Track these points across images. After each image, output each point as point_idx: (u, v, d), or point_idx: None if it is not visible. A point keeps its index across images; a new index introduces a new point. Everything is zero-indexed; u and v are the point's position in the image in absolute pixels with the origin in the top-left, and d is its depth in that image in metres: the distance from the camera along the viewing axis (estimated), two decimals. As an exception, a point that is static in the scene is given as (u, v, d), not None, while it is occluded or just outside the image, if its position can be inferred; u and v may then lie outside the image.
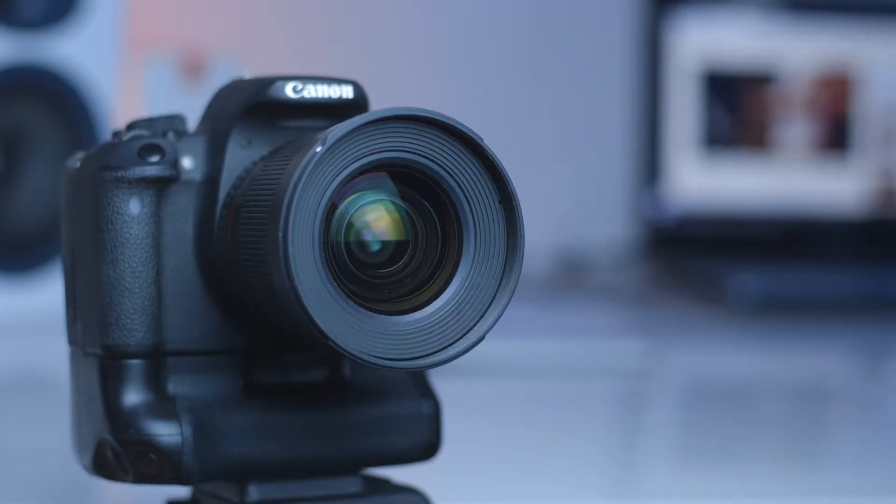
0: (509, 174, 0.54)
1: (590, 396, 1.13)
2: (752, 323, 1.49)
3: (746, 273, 1.56)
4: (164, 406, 0.59)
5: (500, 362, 1.13)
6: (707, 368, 1.33)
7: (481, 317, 0.55)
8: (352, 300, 0.53)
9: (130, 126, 0.61)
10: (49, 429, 0.88)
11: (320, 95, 0.59)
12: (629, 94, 1.77)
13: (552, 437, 0.97)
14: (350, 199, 0.54)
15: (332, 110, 0.59)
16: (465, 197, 0.55)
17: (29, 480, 0.80)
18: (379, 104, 0.57)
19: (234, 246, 0.57)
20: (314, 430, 0.61)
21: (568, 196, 1.79)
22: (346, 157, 0.53)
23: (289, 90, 0.59)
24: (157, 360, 0.59)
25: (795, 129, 1.72)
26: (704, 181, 1.70)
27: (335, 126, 0.53)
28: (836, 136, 1.72)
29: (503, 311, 0.55)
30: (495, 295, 0.55)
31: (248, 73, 0.63)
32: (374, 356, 0.53)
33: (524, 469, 0.87)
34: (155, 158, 0.59)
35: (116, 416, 0.59)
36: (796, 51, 1.71)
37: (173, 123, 0.61)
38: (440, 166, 0.54)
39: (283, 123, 0.60)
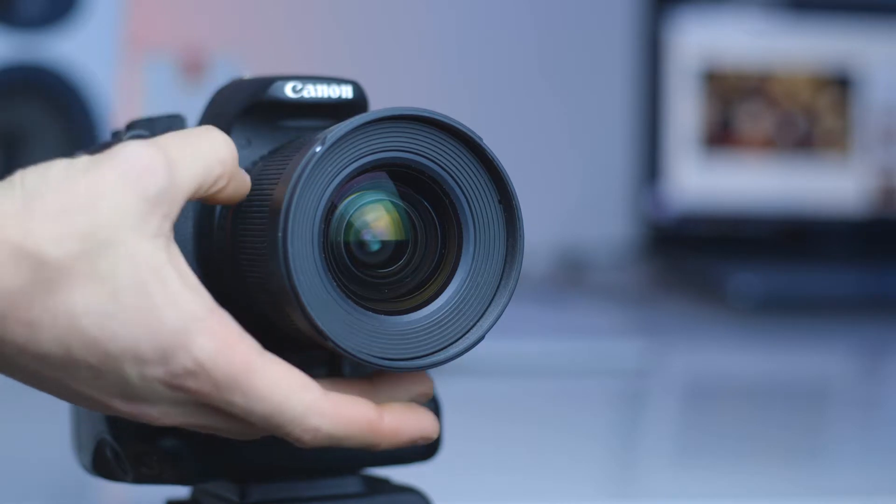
0: (509, 174, 0.54)
1: (590, 396, 1.13)
2: (753, 323, 1.49)
3: (746, 273, 1.56)
4: (163, 406, 0.59)
5: (500, 362, 1.13)
6: (707, 368, 1.33)
7: (481, 316, 0.55)
8: (351, 300, 0.53)
9: (130, 126, 0.61)
10: (49, 429, 0.88)
11: (320, 95, 0.59)
12: (629, 94, 1.77)
13: (552, 437, 0.97)
14: (350, 198, 0.54)
15: (332, 110, 0.59)
16: (465, 197, 0.55)
17: (29, 480, 0.80)
18: (378, 104, 0.57)
19: (233, 246, 0.57)
20: (314, 429, 0.61)
21: (568, 196, 1.79)
22: (345, 157, 0.53)
23: (288, 90, 0.59)
24: (157, 360, 0.59)
25: (795, 129, 1.72)
26: (704, 181, 1.69)
27: (335, 126, 0.53)
28: (836, 135, 1.72)
29: (503, 310, 0.55)
30: (495, 294, 0.55)
31: (248, 73, 0.63)
32: (374, 356, 0.53)
33: (524, 469, 0.87)
34: (155, 158, 0.59)
35: (116, 416, 0.59)
36: (796, 50, 1.71)
37: (173, 123, 0.61)
38: (440, 166, 0.54)
39: (283, 123, 0.60)
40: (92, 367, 0.50)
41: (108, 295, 0.49)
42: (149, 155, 0.51)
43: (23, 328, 0.49)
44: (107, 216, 0.50)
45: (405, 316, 0.54)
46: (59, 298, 0.49)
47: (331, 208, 0.53)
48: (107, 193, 0.50)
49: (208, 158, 0.53)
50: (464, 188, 0.55)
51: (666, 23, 1.69)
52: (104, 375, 0.50)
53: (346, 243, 0.54)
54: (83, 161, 0.51)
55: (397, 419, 0.54)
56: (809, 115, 1.72)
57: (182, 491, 0.63)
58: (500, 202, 0.55)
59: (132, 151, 0.51)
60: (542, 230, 1.64)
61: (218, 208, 0.59)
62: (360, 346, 0.53)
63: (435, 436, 0.55)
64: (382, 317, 0.54)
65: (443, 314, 0.54)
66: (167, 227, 0.51)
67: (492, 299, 0.55)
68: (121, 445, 0.59)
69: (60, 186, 0.50)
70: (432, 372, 0.57)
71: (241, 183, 0.55)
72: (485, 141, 0.54)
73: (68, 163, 0.51)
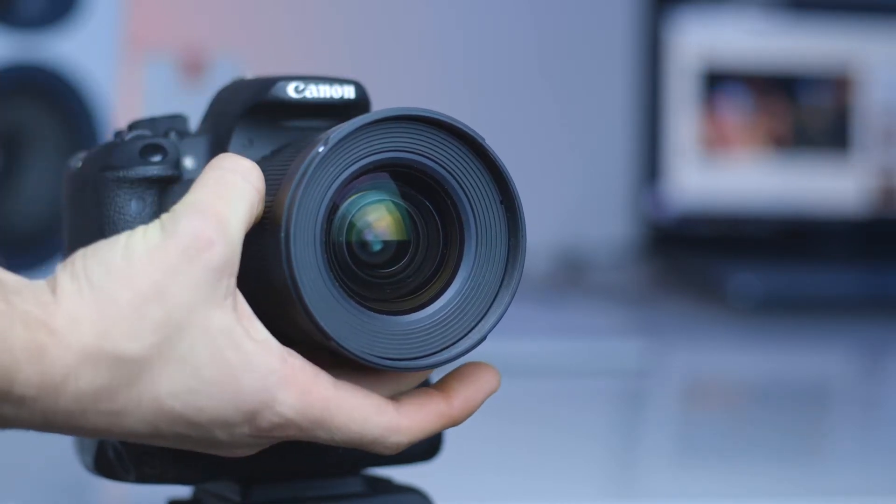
0: (511, 174, 0.54)
1: (590, 396, 1.13)
2: (752, 323, 1.49)
3: (746, 273, 1.56)
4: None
5: (500, 362, 1.13)
6: (707, 368, 1.33)
7: (483, 317, 0.55)
8: (353, 300, 0.53)
9: (132, 126, 0.61)
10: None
11: (322, 96, 0.59)
12: (629, 95, 1.77)
13: (552, 437, 0.97)
14: (352, 199, 0.54)
15: (334, 110, 0.59)
16: (467, 197, 0.55)
17: (30, 480, 0.80)
18: (381, 104, 0.57)
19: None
20: (315, 429, 0.61)
21: (568, 196, 1.79)
22: (348, 158, 0.53)
23: (291, 90, 0.59)
24: (159, 360, 0.59)
25: (795, 128, 1.72)
26: (704, 181, 1.70)
27: (337, 126, 0.54)
28: (836, 135, 1.72)
29: (505, 310, 0.55)
30: (497, 295, 0.55)
31: (250, 73, 0.63)
32: (376, 356, 0.53)
33: (524, 469, 0.87)
34: (157, 158, 0.59)
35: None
36: (796, 50, 1.71)
37: (175, 123, 0.61)
38: (442, 167, 0.54)
39: (285, 123, 0.60)
40: (179, 435, 0.52)
41: (190, 373, 0.51)
42: (205, 225, 0.52)
43: (106, 416, 0.51)
44: (178, 299, 0.51)
45: (407, 316, 0.54)
46: (143, 386, 0.51)
47: (333, 208, 0.54)
48: (174, 275, 0.51)
49: (248, 195, 0.54)
50: (466, 188, 0.55)
51: (666, 23, 1.69)
52: (192, 438, 0.52)
53: (349, 243, 0.54)
54: (140, 240, 0.51)
55: (464, 395, 0.56)
56: (809, 115, 1.72)
57: (184, 491, 0.63)
58: (501, 202, 0.55)
59: (189, 226, 0.51)
60: (542, 230, 1.63)
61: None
62: (362, 346, 0.53)
63: (498, 384, 0.57)
64: (384, 317, 0.54)
65: (445, 314, 0.54)
66: (233, 283, 0.52)
67: (494, 299, 0.55)
68: (123, 445, 0.59)
69: (127, 280, 0.51)
70: (433, 371, 0.57)
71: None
72: (487, 141, 0.54)
73: (126, 244, 0.51)
